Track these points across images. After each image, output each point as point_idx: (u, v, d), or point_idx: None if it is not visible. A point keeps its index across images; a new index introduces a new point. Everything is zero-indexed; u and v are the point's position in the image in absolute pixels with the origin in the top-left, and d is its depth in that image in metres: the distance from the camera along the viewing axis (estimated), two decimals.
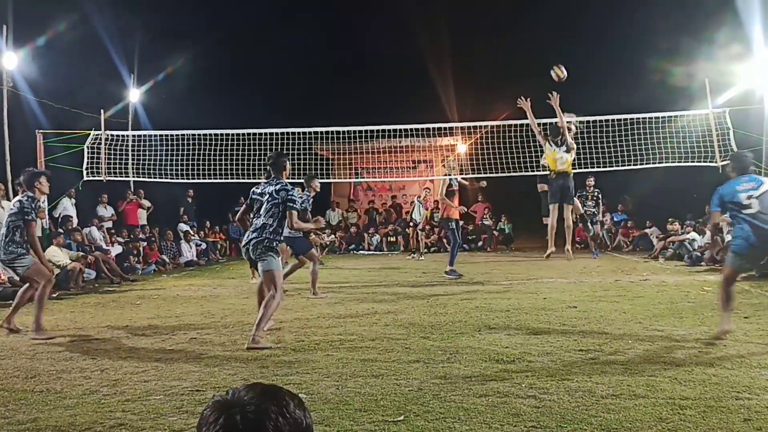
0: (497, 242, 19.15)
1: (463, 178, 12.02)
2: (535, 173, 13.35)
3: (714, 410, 3.77)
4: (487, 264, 14.25)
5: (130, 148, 14.46)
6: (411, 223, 18.15)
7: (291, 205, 6.26)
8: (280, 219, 6.26)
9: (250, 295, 9.65)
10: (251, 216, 6.70)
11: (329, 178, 17.38)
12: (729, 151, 12.10)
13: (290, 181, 8.12)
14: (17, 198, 7.08)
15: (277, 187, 6.31)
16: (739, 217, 5.96)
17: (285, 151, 13.82)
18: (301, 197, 8.33)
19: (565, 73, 10.34)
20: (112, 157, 14.01)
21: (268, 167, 6.60)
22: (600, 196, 14.94)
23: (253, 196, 6.54)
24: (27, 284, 6.97)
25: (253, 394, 1.34)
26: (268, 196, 6.33)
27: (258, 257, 6.21)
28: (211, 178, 14.01)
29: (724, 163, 12.07)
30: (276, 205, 6.25)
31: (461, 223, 13.10)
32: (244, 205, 6.90)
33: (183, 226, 16.79)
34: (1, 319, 7.05)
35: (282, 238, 6.64)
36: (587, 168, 13.32)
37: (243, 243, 6.39)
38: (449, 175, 11.73)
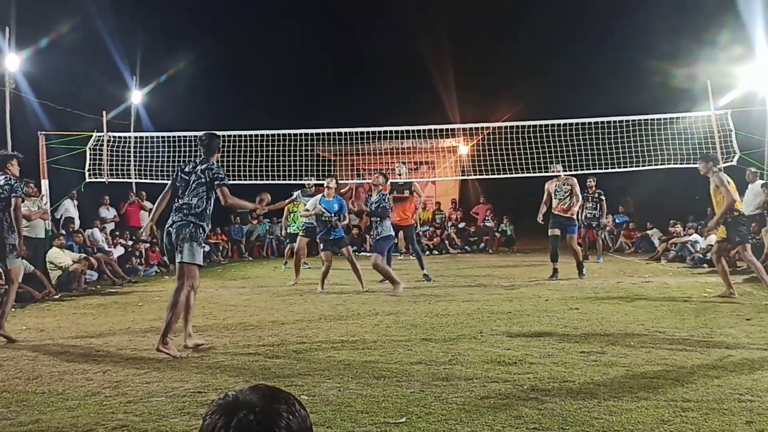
0: (499, 244, 19.14)
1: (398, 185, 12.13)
2: (537, 174, 13.34)
3: (716, 412, 3.76)
4: (489, 266, 14.24)
5: (132, 150, 14.48)
6: None
7: (219, 182, 5.91)
8: (207, 200, 5.92)
9: (251, 296, 9.66)
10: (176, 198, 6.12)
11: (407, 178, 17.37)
12: (731, 152, 12.11)
13: (293, 182, 8.30)
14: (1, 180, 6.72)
15: (203, 166, 5.95)
16: None
17: (286, 153, 13.88)
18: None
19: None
20: (115, 158, 14.03)
21: (199, 147, 6.23)
22: (603, 198, 14.91)
23: (180, 175, 6.06)
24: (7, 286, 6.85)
25: (258, 395, 1.34)
26: (194, 175, 5.94)
27: (179, 243, 5.84)
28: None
29: (726, 164, 12.08)
30: (201, 185, 5.89)
31: (416, 229, 13.19)
32: (168, 185, 6.24)
33: None
34: None
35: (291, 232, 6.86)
36: (589, 170, 13.32)
37: (167, 225, 5.98)
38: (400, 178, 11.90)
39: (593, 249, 14.73)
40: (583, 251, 14.34)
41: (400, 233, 11.42)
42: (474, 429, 3.61)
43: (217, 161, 6.30)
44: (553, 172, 11.42)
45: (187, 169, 6.02)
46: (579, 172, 13.33)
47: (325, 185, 10.36)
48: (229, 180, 13.14)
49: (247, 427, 1.28)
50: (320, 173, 14.79)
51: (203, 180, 5.88)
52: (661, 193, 18.01)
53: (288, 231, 13.60)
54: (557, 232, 11.03)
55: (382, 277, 10.09)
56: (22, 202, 6.89)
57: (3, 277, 7.05)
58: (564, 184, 11.07)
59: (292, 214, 13.31)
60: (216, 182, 5.86)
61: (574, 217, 11.13)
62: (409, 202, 11.53)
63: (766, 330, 6.12)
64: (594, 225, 14.68)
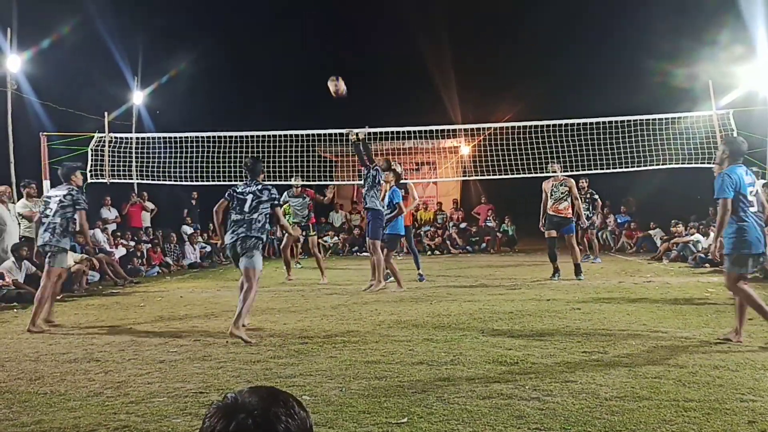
0: (500, 244, 19.14)
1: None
2: (538, 175, 13.33)
3: (718, 412, 3.76)
4: (491, 266, 14.23)
5: (133, 151, 14.49)
6: None
7: (276, 203, 6.90)
8: (265, 216, 6.77)
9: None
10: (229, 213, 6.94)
11: (332, 180, 17.38)
12: None
13: (303, 183, 8.81)
14: (64, 191, 7.43)
15: (259, 187, 6.84)
16: (746, 212, 5.58)
17: (288, 153, 13.90)
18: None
19: (344, 87, 10.58)
20: (116, 159, 14.04)
21: (245, 171, 7.10)
22: (597, 198, 14.91)
23: (232, 195, 6.86)
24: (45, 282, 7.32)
25: (257, 397, 1.34)
26: (252, 195, 6.78)
27: (244, 253, 6.64)
28: (214, 181, 14.03)
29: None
30: (261, 202, 6.73)
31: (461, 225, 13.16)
32: (224, 201, 6.91)
33: (187, 229, 16.81)
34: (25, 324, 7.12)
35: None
36: (591, 170, 13.31)
37: (231, 239, 6.69)
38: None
39: (591, 249, 14.69)
40: (582, 252, 14.40)
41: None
42: (476, 429, 3.61)
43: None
44: (550, 171, 11.43)
45: (240, 190, 6.89)
46: (580, 172, 13.33)
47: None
48: (229, 181, 13.23)
49: (245, 430, 1.28)
50: (321, 174, 14.83)
51: (263, 199, 6.78)
52: (662, 193, 17.99)
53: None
54: (553, 233, 11.04)
55: (390, 276, 10.23)
56: (82, 210, 7.53)
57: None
58: (561, 185, 11.06)
59: (288, 215, 13.45)
60: (275, 202, 6.88)
61: (570, 216, 11.09)
62: (405, 203, 11.55)
63: (767, 330, 6.12)
64: (588, 225, 14.62)
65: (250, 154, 13.74)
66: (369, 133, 11.99)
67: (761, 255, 5.62)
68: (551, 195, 11.03)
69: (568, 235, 11.07)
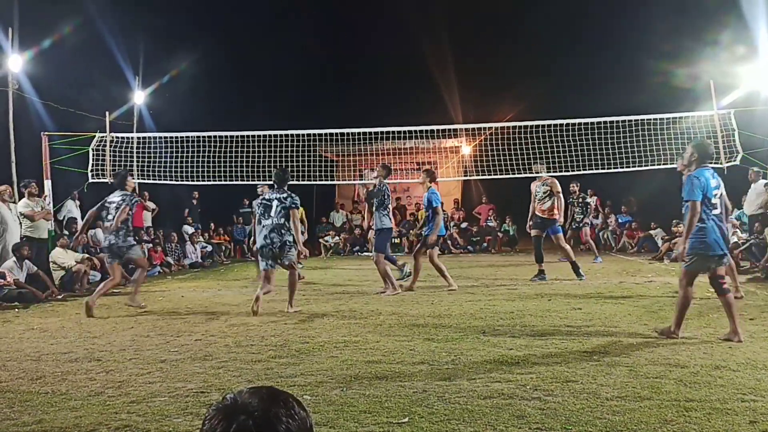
0: (501, 244, 19.13)
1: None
2: (539, 175, 13.30)
3: (719, 412, 3.76)
4: (492, 266, 14.23)
5: (134, 150, 14.50)
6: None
7: (294, 206, 8.01)
8: (289, 220, 7.95)
9: (253, 296, 9.64)
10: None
11: (333, 180, 17.40)
12: (734, 152, 12.09)
13: (295, 183, 9.04)
14: (118, 197, 8.62)
15: (285, 195, 8.01)
16: (709, 214, 5.78)
17: (289, 154, 13.90)
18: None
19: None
20: (117, 159, 14.04)
21: (274, 180, 8.29)
22: (588, 201, 14.97)
23: (258, 203, 8.17)
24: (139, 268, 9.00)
25: (257, 398, 1.34)
26: (277, 201, 7.97)
27: (283, 255, 8.00)
28: (215, 180, 14.03)
29: (729, 164, 12.06)
30: (284, 208, 7.95)
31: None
32: (257, 215, 8.21)
33: (188, 228, 16.81)
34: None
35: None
36: (592, 170, 13.30)
37: (265, 243, 7.95)
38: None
39: (590, 251, 14.71)
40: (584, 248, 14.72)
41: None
42: (477, 429, 3.61)
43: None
44: (534, 172, 11.56)
45: (267, 197, 8.13)
46: (581, 172, 13.32)
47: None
48: (230, 181, 13.26)
49: (245, 431, 1.28)
50: (322, 174, 14.83)
51: (287, 205, 7.96)
52: (663, 193, 17.92)
53: None
54: (537, 232, 11.12)
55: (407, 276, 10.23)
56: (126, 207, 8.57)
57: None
58: (543, 185, 11.18)
59: None
60: (294, 206, 7.99)
61: (555, 217, 11.09)
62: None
63: None
64: (582, 226, 14.70)
65: (250, 154, 13.78)
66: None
67: (720, 256, 5.80)
68: (536, 196, 11.12)
69: (555, 235, 11.09)
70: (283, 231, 7.90)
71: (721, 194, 5.96)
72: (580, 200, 14.59)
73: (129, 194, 8.70)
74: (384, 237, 9.80)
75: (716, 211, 5.80)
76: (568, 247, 11.36)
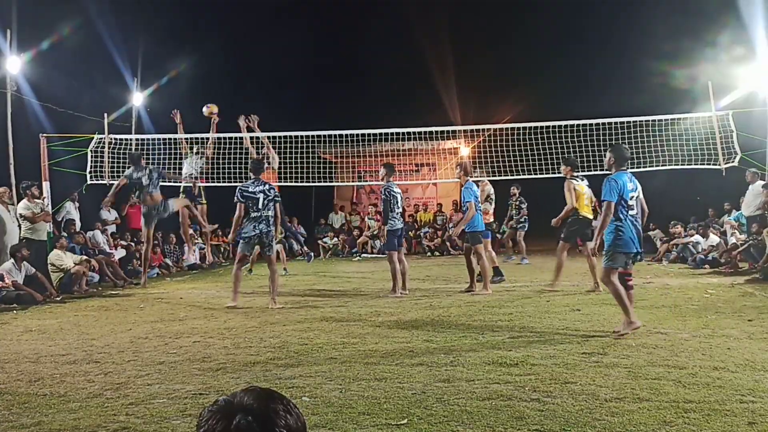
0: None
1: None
2: (538, 176, 13.33)
3: (718, 413, 3.76)
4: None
5: (133, 152, 14.46)
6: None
7: (278, 199, 8.68)
8: (274, 210, 8.55)
9: (252, 297, 9.66)
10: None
11: (332, 182, 17.39)
12: (732, 153, 12.09)
13: (294, 184, 12.04)
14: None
15: (266, 186, 8.54)
16: (625, 214, 6.19)
17: (288, 154, 13.88)
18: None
19: (215, 109, 12.11)
20: (116, 160, 14.01)
21: (251, 170, 8.78)
22: (524, 205, 15.45)
23: (245, 194, 8.47)
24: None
25: (254, 396, 1.34)
26: (262, 194, 8.44)
27: (269, 243, 8.63)
28: (214, 182, 14.01)
29: (727, 165, 12.06)
30: (269, 200, 8.47)
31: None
32: (242, 205, 8.57)
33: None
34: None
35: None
36: (590, 171, 13.28)
37: (255, 233, 8.48)
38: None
39: (516, 249, 15.30)
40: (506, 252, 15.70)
41: None
42: (475, 430, 3.61)
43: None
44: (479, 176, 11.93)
45: (251, 189, 8.49)
46: (580, 173, 13.29)
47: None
48: (230, 181, 13.26)
49: (246, 429, 1.27)
50: (321, 175, 14.82)
51: (270, 197, 8.50)
52: (662, 194, 17.95)
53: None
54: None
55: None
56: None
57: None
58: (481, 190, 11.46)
59: None
60: (277, 199, 8.65)
61: (489, 221, 11.47)
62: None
63: (767, 330, 6.11)
64: (517, 227, 15.22)
65: (250, 155, 13.74)
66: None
67: (635, 254, 6.33)
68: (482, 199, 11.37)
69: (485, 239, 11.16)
70: (270, 221, 8.51)
71: (638, 196, 6.38)
72: (518, 204, 15.30)
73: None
74: (392, 237, 9.67)
75: (633, 212, 6.24)
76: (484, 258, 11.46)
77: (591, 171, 13.35)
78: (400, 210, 9.74)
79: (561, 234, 9.79)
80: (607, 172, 6.69)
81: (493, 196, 11.95)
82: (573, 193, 9.48)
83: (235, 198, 8.56)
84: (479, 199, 10.24)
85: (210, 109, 12.14)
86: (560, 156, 13.01)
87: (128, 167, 11.54)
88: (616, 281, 6.23)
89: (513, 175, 13.83)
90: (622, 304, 6.18)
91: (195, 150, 12.41)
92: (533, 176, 13.52)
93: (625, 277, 6.34)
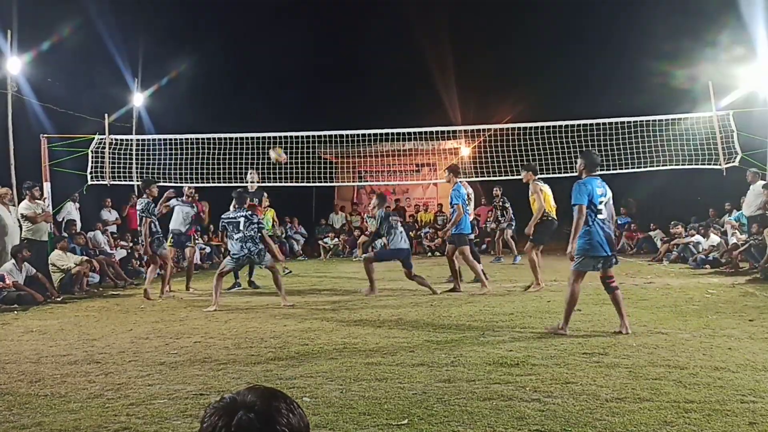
0: (501, 246, 19.09)
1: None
2: (538, 177, 13.30)
3: (719, 413, 3.76)
4: (491, 267, 14.22)
5: (133, 152, 14.49)
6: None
7: (262, 226, 9.10)
8: (256, 231, 8.90)
9: (253, 298, 9.67)
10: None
11: (333, 182, 17.39)
12: (733, 153, 12.09)
13: (294, 185, 12.05)
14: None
15: (248, 213, 8.97)
16: (594, 219, 6.28)
17: (289, 155, 13.89)
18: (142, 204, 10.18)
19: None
20: (116, 161, 14.03)
21: (235, 199, 9.23)
22: (508, 205, 15.63)
23: (226, 222, 9.00)
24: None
25: (256, 394, 1.34)
26: (243, 218, 8.87)
27: (260, 260, 8.96)
28: (215, 182, 14.02)
29: (728, 165, 12.06)
30: (251, 223, 8.88)
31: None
32: (224, 230, 9.37)
33: None
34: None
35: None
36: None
37: (243, 253, 8.85)
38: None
39: (508, 248, 15.39)
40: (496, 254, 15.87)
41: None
42: (476, 430, 3.61)
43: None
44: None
45: (232, 215, 9.00)
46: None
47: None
48: (230, 182, 13.26)
49: (247, 425, 1.28)
50: (322, 175, 14.82)
51: (253, 221, 8.90)
52: (662, 194, 17.99)
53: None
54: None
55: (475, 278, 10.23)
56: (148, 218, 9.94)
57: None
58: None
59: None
60: (261, 226, 9.02)
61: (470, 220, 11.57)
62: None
63: None
64: (505, 227, 15.37)
65: (250, 156, 13.77)
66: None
67: (605, 257, 6.31)
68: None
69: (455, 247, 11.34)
70: (255, 240, 8.85)
71: (608, 201, 6.46)
72: (501, 204, 15.56)
73: (148, 202, 10.03)
74: (390, 253, 9.89)
75: (602, 216, 6.31)
76: (455, 262, 11.59)
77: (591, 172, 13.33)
78: (400, 231, 9.85)
79: (530, 236, 9.97)
80: (610, 174, 6.73)
81: (472, 197, 11.98)
82: (540, 194, 9.76)
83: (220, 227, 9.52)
84: (467, 201, 10.39)
85: (277, 155, 12.17)
86: (560, 156, 13.04)
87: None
88: (576, 286, 6.33)
89: (513, 176, 13.81)
90: (568, 308, 6.29)
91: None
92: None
93: (607, 280, 6.38)
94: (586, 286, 10.02)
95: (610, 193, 6.50)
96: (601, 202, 6.32)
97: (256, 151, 13.78)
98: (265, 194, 12.09)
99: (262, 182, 13.62)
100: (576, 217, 6.29)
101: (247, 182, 11.95)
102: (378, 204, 9.93)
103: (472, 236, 11.62)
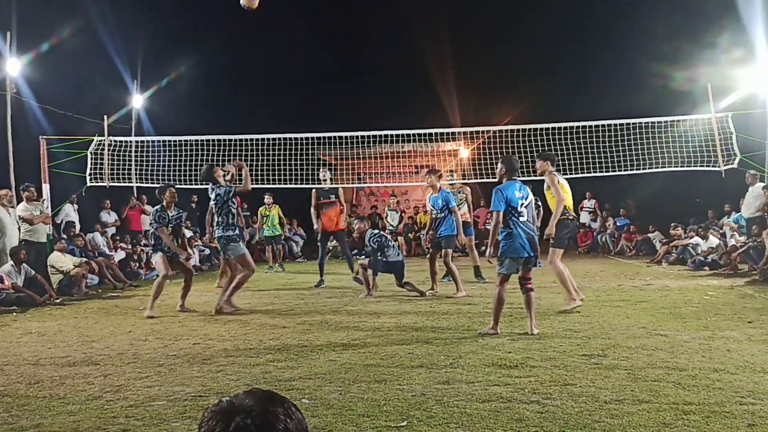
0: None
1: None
2: (537, 178, 13.30)
3: (718, 415, 3.76)
4: (491, 268, 14.20)
5: (133, 154, 14.49)
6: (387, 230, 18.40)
7: (180, 222, 8.90)
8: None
9: (252, 299, 9.66)
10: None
11: (332, 183, 17.36)
12: (732, 155, 12.11)
13: (294, 186, 9.26)
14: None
15: (178, 212, 8.75)
16: (515, 222, 6.47)
17: (287, 157, 13.90)
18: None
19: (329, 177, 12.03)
20: (115, 162, 14.03)
21: (202, 177, 8.92)
22: None
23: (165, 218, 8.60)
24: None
25: (254, 398, 1.34)
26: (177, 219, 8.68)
27: (225, 250, 8.70)
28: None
29: (727, 167, 12.08)
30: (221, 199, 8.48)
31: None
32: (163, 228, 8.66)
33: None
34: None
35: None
36: (590, 173, 13.30)
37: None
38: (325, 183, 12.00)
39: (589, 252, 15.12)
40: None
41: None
42: None
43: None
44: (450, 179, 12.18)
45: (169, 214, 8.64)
46: (580, 175, 13.32)
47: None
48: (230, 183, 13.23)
49: (245, 430, 1.28)
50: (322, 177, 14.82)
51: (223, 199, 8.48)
52: (661, 196, 17.98)
53: (263, 235, 15.22)
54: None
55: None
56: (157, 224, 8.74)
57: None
58: (459, 192, 11.84)
59: (266, 218, 14.84)
60: (179, 222, 8.88)
61: (467, 220, 11.92)
62: (336, 207, 11.84)
63: (767, 332, 6.11)
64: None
65: (249, 157, 13.77)
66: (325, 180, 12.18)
67: (527, 258, 6.51)
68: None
69: (468, 237, 11.59)
70: (224, 228, 8.51)
71: (529, 204, 6.65)
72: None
73: (159, 209, 8.73)
74: (386, 265, 9.84)
75: (523, 219, 6.51)
76: (476, 251, 12.01)
77: (590, 173, 13.37)
78: (393, 244, 10.12)
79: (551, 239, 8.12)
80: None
81: (470, 198, 12.46)
82: (559, 187, 8.02)
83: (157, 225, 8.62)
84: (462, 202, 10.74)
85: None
86: (560, 157, 13.05)
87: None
88: (502, 289, 6.53)
89: None
90: (496, 311, 6.48)
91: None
92: (532, 178, 13.49)
93: (523, 281, 6.58)
94: (585, 288, 10.06)
95: (531, 196, 6.74)
96: (521, 205, 6.52)
97: (254, 153, 13.78)
98: (267, 195, 12.20)
99: (261, 182, 13.64)
100: (493, 223, 6.59)
101: (319, 179, 12.29)
102: (364, 226, 10.22)
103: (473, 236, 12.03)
